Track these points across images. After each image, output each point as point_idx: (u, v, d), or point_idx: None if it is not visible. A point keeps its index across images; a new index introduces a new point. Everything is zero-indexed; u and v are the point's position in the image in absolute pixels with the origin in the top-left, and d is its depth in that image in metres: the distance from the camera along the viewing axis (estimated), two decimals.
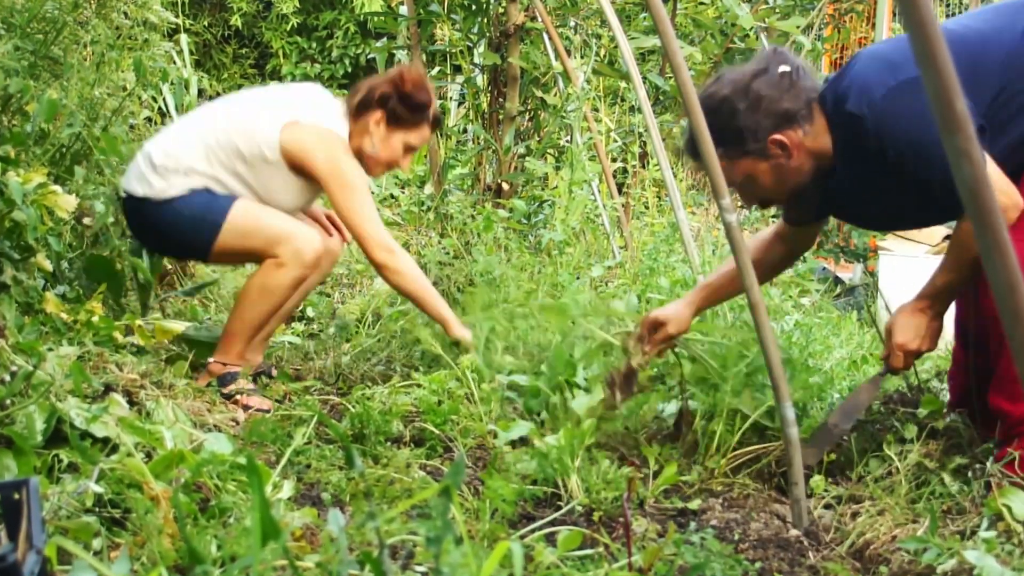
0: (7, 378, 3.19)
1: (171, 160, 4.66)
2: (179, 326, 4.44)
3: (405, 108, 4.90)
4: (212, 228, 4.66)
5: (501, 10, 7.48)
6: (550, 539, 3.03)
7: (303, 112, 4.82)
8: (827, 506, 3.60)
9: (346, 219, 4.79)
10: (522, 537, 3.05)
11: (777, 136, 3.61)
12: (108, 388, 3.69)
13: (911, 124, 3.35)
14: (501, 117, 7.55)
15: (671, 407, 4.29)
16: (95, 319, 4.22)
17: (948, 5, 11.79)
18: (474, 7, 7.62)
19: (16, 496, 1.96)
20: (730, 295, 4.25)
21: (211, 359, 4.80)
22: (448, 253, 6.93)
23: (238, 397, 4.64)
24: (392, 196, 9.41)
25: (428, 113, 4.99)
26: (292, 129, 4.73)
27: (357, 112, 4.92)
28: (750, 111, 3.59)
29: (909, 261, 7.65)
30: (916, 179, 3.45)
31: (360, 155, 4.91)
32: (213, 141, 4.70)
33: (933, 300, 3.69)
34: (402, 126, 4.94)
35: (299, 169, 4.76)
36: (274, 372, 5.05)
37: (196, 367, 4.82)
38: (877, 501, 3.46)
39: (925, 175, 3.39)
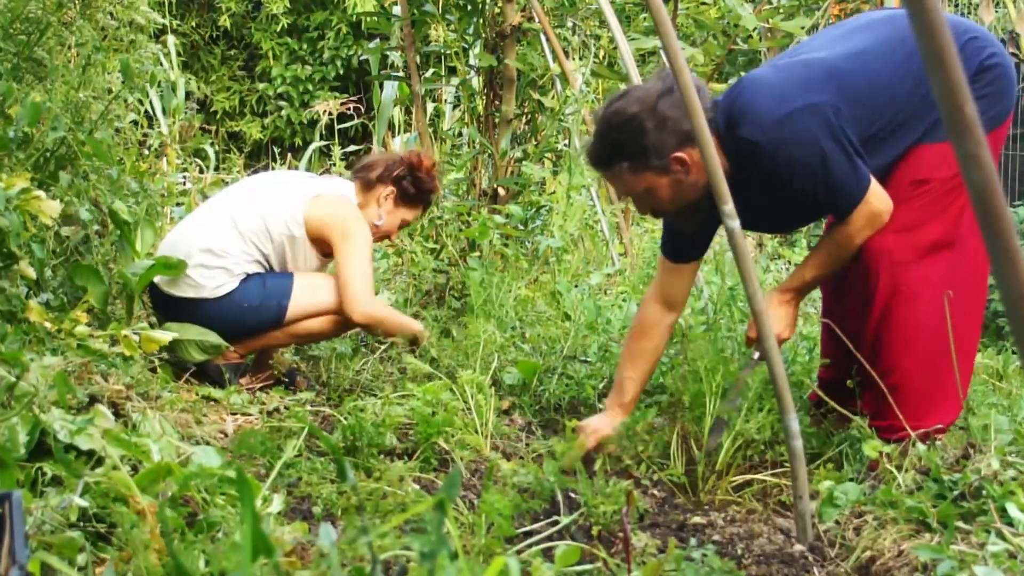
0: None
1: (211, 257, 5.09)
2: (166, 336, 4.44)
3: (415, 189, 5.52)
4: (279, 310, 5.18)
5: (497, 10, 7.47)
6: (548, 554, 3.03)
7: (324, 186, 5.36)
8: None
9: (345, 277, 5.18)
10: (519, 552, 3.06)
11: (679, 154, 3.92)
12: (93, 399, 3.69)
13: (802, 149, 3.84)
14: (497, 120, 7.55)
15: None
16: (80, 328, 4.22)
17: (957, 6, 11.80)
18: (469, 7, 7.62)
19: None
20: (645, 382, 4.49)
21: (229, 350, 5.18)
22: (443, 260, 6.94)
23: (242, 380, 5.18)
24: None
25: (431, 198, 5.67)
26: (316, 202, 5.24)
27: (371, 184, 5.48)
28: (656, 130, 3.88)
29: None
30: (804, 194, 3.94)
31: None
32: (245, 227, 5.15)
33: (798, 293, 4.22)
34: (407, 204, 5.56)
35: (318, 240, 5.26)
36: (299, 380, 5.20)
37: (189, 373, 4.91)
38: (880, 513, 3.47)
39: (812, 190, 3.92)
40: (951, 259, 4.03)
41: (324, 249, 5.28)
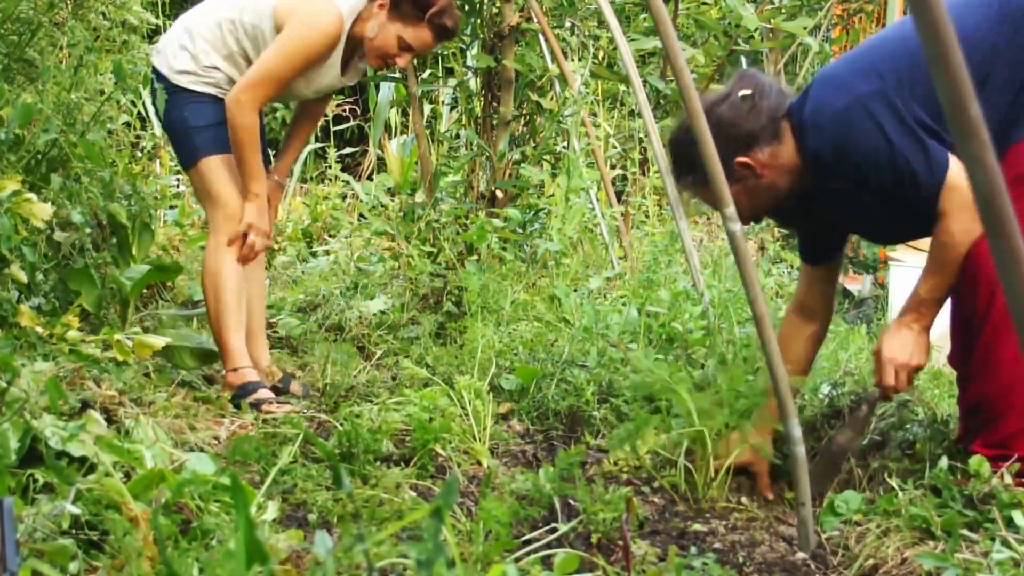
0: None
1: (186, 37, 4.98)
2: (160, 340, 4.44)
3: (409, 4, 5.02)
4: (198, 148, 5.00)
5: (495, 10, 7.48)
6: (546, 562, 3.03)
7: None
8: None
9: (256, 64, 4.94)
10: (517, 560, 3.05)
11: (741, 159, 3.83)
12: (85, 405, 3.69)
13: (859, 148, 3.68)
14: (495, 122, 7.55)
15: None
16: (71, 333, 4.22)
17: None
18: (467, 7, 7.62)
19: None
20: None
21: (224, 370, 5.04)
22: (440, 264, 6.94)
23: (264, 406, 4.84)
24: (381, 204, 9.42)
25: (431, 15, 5.07)
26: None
27: None
28: (712, 138, 3.60)
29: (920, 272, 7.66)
30: (885, 192, 3.73)
31: (362, 39, 5.14)
32: (223, 16, 4.99)
33: (917, 313, 3.82)
34: (401, 19, 5.05)
35: None
36: (294, 386, 5.16)
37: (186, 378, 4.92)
38: (882, 521, 3.47)
39: (889, 187, 3.71)
40: None
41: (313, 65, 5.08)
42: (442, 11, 5.08)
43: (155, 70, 4.99)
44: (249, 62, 4.99)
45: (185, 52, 4.95)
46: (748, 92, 3.88)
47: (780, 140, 3.87)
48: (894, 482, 3.70)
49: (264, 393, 4.97)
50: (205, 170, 4.99)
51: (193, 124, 4.94)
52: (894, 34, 3.93)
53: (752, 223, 4.43)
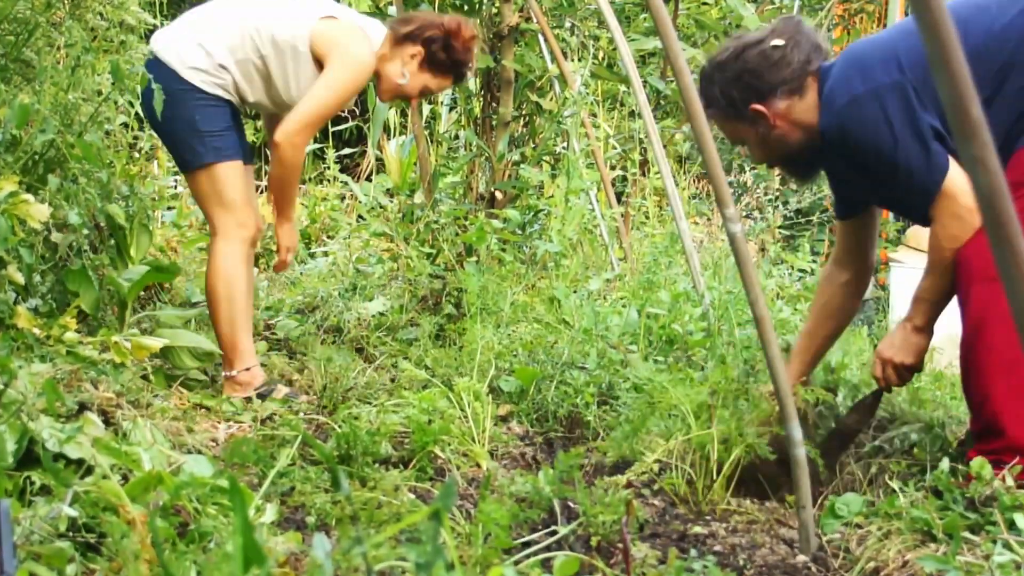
0: None
1: (201, 34, 5.02)
2: (158, 342, 4.44)
3: (445, 57, 5.27)
4: (205, 155, 5.03)
5: (495, 10, 7.48)
6: (546, 565, 3.03)
7: (348, 14, 5.21)
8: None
9: (305, 100, 5.04)
10: (516, 563, 3.05)
11: (756, 107, 3.96)
12: (83, 407, 3.69)
13: (866, 137, 3.75)
14: (494, 123, 7.55)
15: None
16: (69, 335, 4.21)
17: None
18: (466, 7, 7.62)
19: None
20: (821, 349, 4.44)
21: (232, 372, 5.14)
22: (439, 265, 6.93)
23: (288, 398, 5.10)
24: (380, 205, 9.42)
25: (462, 71, 5.39)
26: (329, 22, 5.07)
27: (401, 40, 5.25)
28: (734, 80, 3.96)
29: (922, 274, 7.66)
30: (885, 180, 3.84)
31: (379, 75, 5.28)
32: (248, 20, 5.03)
33: (913, 312, 3.97)
34: (433, 70, 5.30)
35: (320, 61, 5.08)
36: (278, 390, 5.17)
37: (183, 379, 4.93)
38: (883, 524, 3.47)
39: (889, 178, 3.80)
40: None
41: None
42: (470, 62, 5.39)
43: (157, 63, 4.97)
44: (260, 73, 5.05)
45: (200, 49, 4.97)
46: (780, 42, 3.94)
47: (802, 95, 3.96)
48: (895, 484, 3.70)
49: (283, 388, 5.18)
50: (219, 175, 5.02)
51: (205, 129, 4.96)
52: (908, 28, 3.92)
53: (766, 167, 4.67)
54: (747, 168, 11.00)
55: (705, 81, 4.06)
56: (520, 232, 7.45)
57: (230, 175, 5.04)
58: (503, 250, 6.86)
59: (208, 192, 5.07)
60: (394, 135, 13.47)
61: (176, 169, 8.83)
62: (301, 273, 8.14)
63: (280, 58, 5.04)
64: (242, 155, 5.14)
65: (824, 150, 3.98)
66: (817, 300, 4.44)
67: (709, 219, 10.74)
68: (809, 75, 3.95)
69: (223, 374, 5.15)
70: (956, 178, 3.66)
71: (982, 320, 3.68)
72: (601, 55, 10.89)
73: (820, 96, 3.94)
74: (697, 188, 13.00)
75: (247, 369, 5.11)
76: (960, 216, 3.67)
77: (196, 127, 4.94)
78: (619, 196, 9.82)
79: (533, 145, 7.90)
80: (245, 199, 5.11)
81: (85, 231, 5.02)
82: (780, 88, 3.94)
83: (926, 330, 3.98)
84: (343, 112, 14.19)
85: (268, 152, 5.41)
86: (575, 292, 6.79)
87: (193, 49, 4.95)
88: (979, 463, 3.55)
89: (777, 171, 4.33)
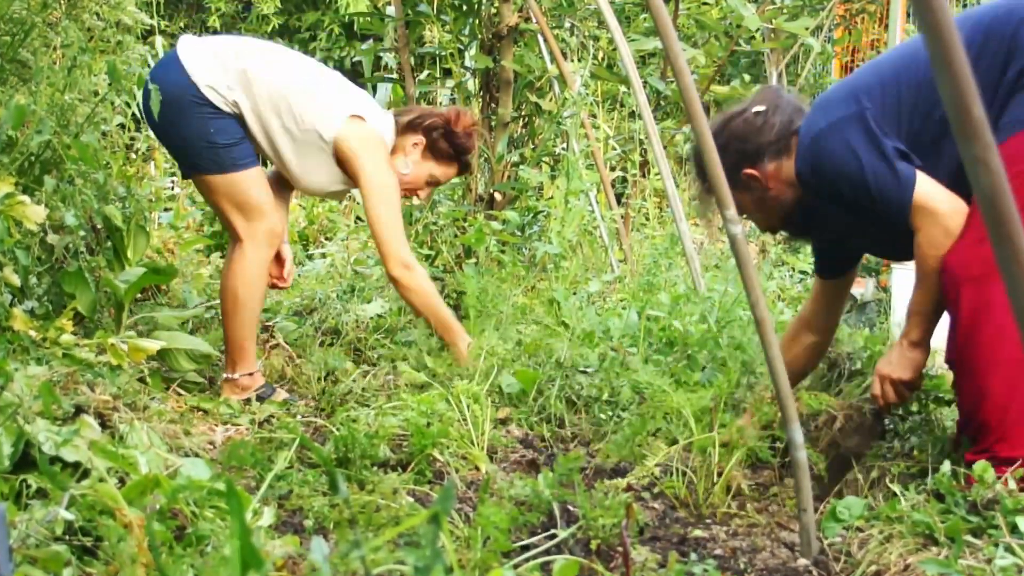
0: None
1: (232, 83, 5.00)
2: (155, 344, 4.44)
3: (447, 144, 5.41)
4: (229, 163, 5.00)
5: (494, 11, 7.48)
6: (545, 569, 3.03)
7: (371, 115, 5.23)
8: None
9: (375, 228, 5.16)
10: (516, 567, 3.05)
11: (748, 170, 4.16)
12: (79, 410, 3.69)
13: (835, 167, 3.89)
14: (494, 123, 7.55)
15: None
16: (65, 337, 4.21)
17: (966, 6, 11.81)
18: (465, 8, 7.62)
19: None
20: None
21: (234, 375, 5.15)
22: (438, 267, 6.93)
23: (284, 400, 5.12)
24: None
25: (465, 159, 5.52)
26: (355, 125, 5.14)
27: (402, 130, 5.39)
28: (723, 149, 3.77)
29: None
30: (863, 208, 3.92)
31: None
32: (283, 97, 5.05)
33: (908, 327, 4.02)
34: (436, 159, 5.44)
35: (341, 162, 5.16)
36: (277, 394, 5.18)
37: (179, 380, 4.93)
38: (885, 527, 3.47)
39: (865, 203, 3.89)
40: None
41: (344, 170, 5.22)
42: (472, 149, 5.51)
43: (178, 66, 4.93)
44: (274, 132, 5.09)
45: (223, 79, 4.97)
46: (762, 108, 4.17)
47: (788, 155, 4.12)
48: (896, 487, 3.70)
49: (282, 392, 5.24)
50: (240, 182, 5.02)
51: (220, 141, 4.95)
52: (885, 60, 4.14)
53: (770, 233, 4.67)
54: None
55: (697, 156, 4.33)
56: (519, 234, 7.46)
57: (251, 181, 5.04)
58: (502, 252, 6.86)
59: (230, 197, 5.05)
60: None
61: (173, 170, 8.85)
62: (299, 275, 8.14)
63: (302, 136, 5.11)
64: (259, 160, 5.16)
65: (806, 195, 4.13)
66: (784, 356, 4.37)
67: (710, 220, 10.74)
68: (793, 135, 4.13)
69: (224, 375, 5.15)
70: (926, 187, 3.79)
71: (974, 322, 3.71)
72: (601, 55, 10.89)
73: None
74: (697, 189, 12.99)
75: (249, 374, 5.11)
76: (937, 223, 3.77)
77: (211, 139, 4.93)
78: (619, 197, 9.83)
79: (532, 146, 7.90)
80: (271, 203, 5.11)
81: (82, 233, 5.01)
82: (767, 150, 4.14)
83: (922, 344, 4.02)
84: None
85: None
86: (575, 294, 6.79)
87: (217, 74, 4.95)
88: (982, 466, 3.55)
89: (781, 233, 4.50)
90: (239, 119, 5.02)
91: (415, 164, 5.40)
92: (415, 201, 6.24)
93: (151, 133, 5.49)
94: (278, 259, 5.43)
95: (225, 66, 4.97)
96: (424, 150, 5.41)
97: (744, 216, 4.39)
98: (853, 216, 4.03)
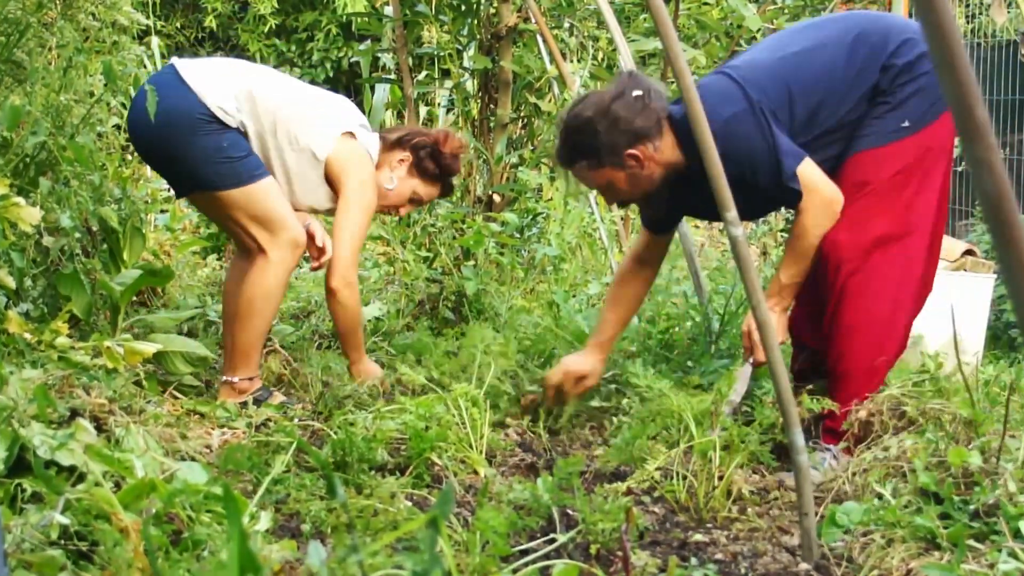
0: None
1: (237, 102, 5.04)
2: (151, 347, 4.44)
3: (433, 164, 5.48)
4: (245, 176, 5.01)
5: (492, 11, 7.48)
6: (544, 573, 3.03)
7: (360, 132, 5.33)
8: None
9: (338, 237, 5.17)
10: (515, 571, 3.05)
11: (631, 151, 4.51)
12: (74, 413, 3.68)
13: (745, 146, 4.37)
14: (492, 124, 7.55)
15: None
16: (60, 340, 4.21)
17: (968, 6, 11.81)
18: (464, 8, 7.62)
19: None
20: (624, 326, 5.21)
21: (234, 378, 5.14)
22: (436, 270, 6.93)
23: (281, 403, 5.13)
24: None
25: (449, 180, 5.63)
26: (346, 143, 5.23)
27: (390, 146, 5.45)
28: (608, 131, 4.50)
29: None
30: (752, 186, 4.37)
31: None
32: (283, 120, 5.12)
33: (779, 297, 4.57)
34: (421, 177, 5.50)
35: (331, 179, 5.22)
36: (273, 396, 5.18)
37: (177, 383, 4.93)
38: (886, 532, 3.46)
39: (759, 183, 4.41)
40: (905, 248, 4.44)
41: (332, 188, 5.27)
42: (456, 171, 5.63)
43: (182, 86, 4.94)
44: (270, 151, 5.13)
45: (228, 100, 5.00)
46: (640, 93, 4.52)
47: (663, 137, 4.53)
48: (886, 490, 3.70)
49: (279, 395, 5.26)
50: (261, 191, 5.03)
51: (237, 155, 4.97)
52: (769, 57, 4.65)
53: (618, 207, 5.47)
54: None
55: (575, 134, 4.64)
56: (518, 235, 7.45)
57: (270, 190, 5.05)
58: (501, 254, 6.86)
59: (247, 212, 5.03)
60: None
61: None
62: (296, 277, 8.13)
63: (298, 155, 5.15)
64: (270, 172, 5.15)
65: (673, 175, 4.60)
66: (621, 290, 5.10)
67: (710, 222, 10.73)
68: (664, 119, 4.53)
69: (223, 378, 5.15)
70: (813, 173, 4.39)
71: (842, 298, 4.45)
72: (601, 56, 10.88)
73: (677, 135, 4.52)
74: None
75: (249, 379, 5.11)
76: (828, 206, 4.40)
77: (227, 153, 4.94)
78: None
79: (531, 147, 7.90)
80: (291, 212, 5.13)
81: (77, 235, 5.02)
82: (650, 132, 4.50)
83: (788, 310, 4.68)
84: None
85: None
86: (574, 296, 6.79)
87: (222, 95, 4.98)
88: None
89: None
90: (245, 136, 5.03)
91: (400, 180, 5.45)
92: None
93: (153, 160, 5.44)
94: (310, 238, 5.42)
95: (231, 86, 5.01)
96: (410, 167, 5.46)
97: (596, 189, 4.95)
98: (736, 192, 4.27)
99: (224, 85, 4.99)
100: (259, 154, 5.07)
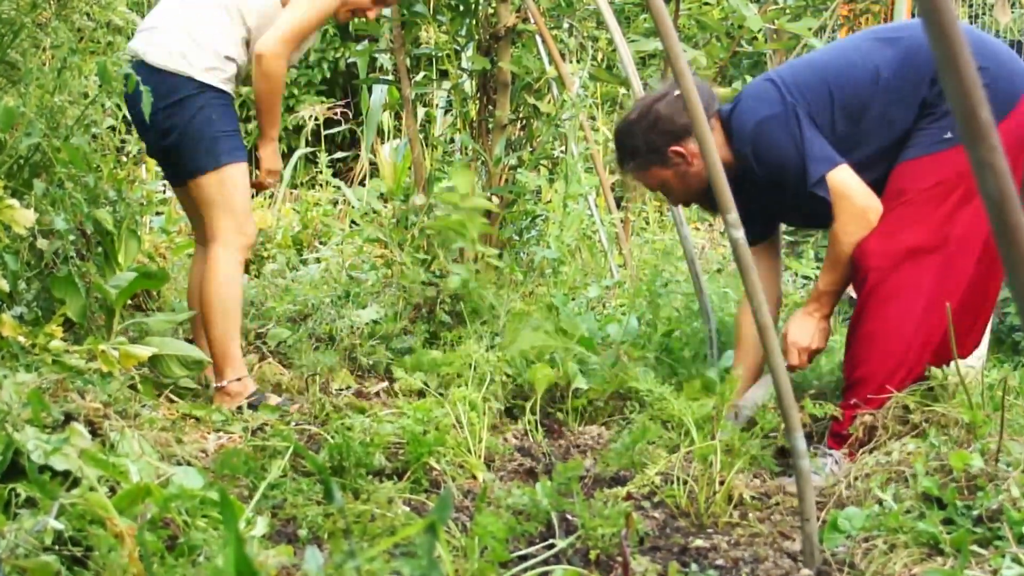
0: None
1: (211, 37, 5.12)
2: (146, 351, 4.44)
3: None
4: (221, 155, 5.11)
5: (491, 11, 7.47)
6: None
7: None
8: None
9: (283, 16, 5.17)
10: None
11: (675, 148, 4.68)
12: (69, 417, 3.68)
13: (775, 150, 4.52)
14: (491, 126, 7.54)
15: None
16: (55, 343, 4.21)
17: (971, 6, 11.82)
18: (462, 8, 7.61)
19: None
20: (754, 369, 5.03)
21: (223, 382, 5.16)
22: (433, 272, 6.93)
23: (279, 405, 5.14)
24: (374, 211, 9.42)
25: None
26: None
27: None
28: (650, 129, 4.68)
29: None
30: (782, 189, 4.57)
31: None
32: (234, 5, 5.18)
33: (818, 303, 4.70)
34: None
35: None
36: (270, 399, 5.19)
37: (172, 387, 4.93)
38: (889, 537, 3.46)
39: (787, 186, 4.54)
40: (941, 262, 4.41)
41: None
42: None
43: (161, 73, 5.02)
44: (253, 42, 5.17)
45: (207, 48, 5.06)
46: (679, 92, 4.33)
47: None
48: (888, 495, 3.70)
49: (274, 397, 5.25)
50: (227, 177, 5.10)
51: (223, 129, 5.06)
52: (818, 60, 4.77)
53: (683, 206, 5.25)
54: None
55: (623, 137, 4.83)
56: (518, 238, 7.45)
57: (239, 178, 5.14)
58: (500, 256, 6.85)
59: (216, 196, 5.11)
60: (388, 138, 13.46)
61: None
62: (292, 280, 8.13)
63: (264, 20, 5.19)
64: (246, 157, 5.22)
65: (746, 173, 4.62)
66: (741, 335, 5.02)
67: (711, 225, 10.74)
68: (710, 117, 4.55)
69: (213, 385, 5.15)
70: (847, 179, 4.46)
71: (867, 304, 4.47)
72: (600, 56, 10.88)
73: (726, 134, 4.68)
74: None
75: (238, 379, 5.11)
76: (863, 214, 4.45)
77: (215, 129, 5.03)
78: (619, 201, 9.82)
79: (531, 149, 7.89)
80: (249, 205, 5.19)
81: (71, 237, 5.01)
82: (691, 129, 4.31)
83: (829, 317, 4.75)
84: (335, 115, 14.23)
85: (258, 156, 5.44)
86: (573, 300, 6.79)
87: (198, 49, 5.04)
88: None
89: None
90: (232, 102, 5.19)
91: None
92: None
93: (151, 146, 5.46)
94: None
95: (199, 34, 5.13)
96: None
97: (655, 191, 4.95)
98: (777, 191, 4.60)
99: (191, 43, 5.10)
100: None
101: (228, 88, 5.11)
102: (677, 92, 4.50)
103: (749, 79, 9.60)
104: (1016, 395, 4.65)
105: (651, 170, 4.79)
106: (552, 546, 3.42)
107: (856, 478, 3.99)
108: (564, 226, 7.75)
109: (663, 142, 4.68)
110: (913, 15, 10.43)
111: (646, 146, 4.71)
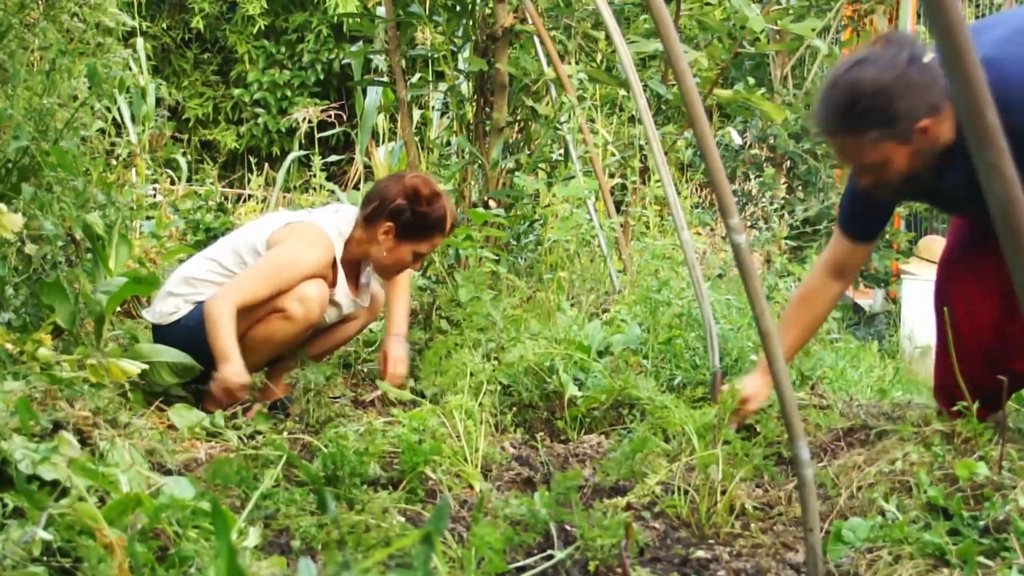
0: None
1: (184, 286, 5.29)
2: (136, 367, 4.44)
3: (417, 224, 5.38)
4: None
5: (488, 11, 7.49)
6: None
7: (311, 215, 5.47)
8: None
9: (240, 274, 5.24)
10: None
11: (924, 123, 3.89)
12: (57, 426, 3.68)
13: None
14: (488, 128, 7.56)
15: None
16: (43, 352, 4.21)
17: (978, 6, 11.84)
18: (458, 8, 7.63)
19: None
20: (800, 347, 4.98)
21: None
22: (429, 278, 6.93)
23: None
24: None
25: (442, 226, 5.46)
26: (287, 225, 5.33)
27: (368, 220, 5.41)
28: (906, 96, 3.86)
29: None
30: None
31: (369, 258, 5.49)
32: (223, 257, 5.33)
33: None
34: (410, 238, 5.40)
35: None
36: (269, 393, 5.23)
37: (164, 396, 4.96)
38: (894, 548, 3.46)
39: None
40: None
41: None
42: (444, 216, 5.45)
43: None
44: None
45: (173, 297, 5.27)
46: (932, 57, 3.90)
47: (944, 113, 3.93)
48: (892, 505, 3.71)
49: (267, 403, 5.43)
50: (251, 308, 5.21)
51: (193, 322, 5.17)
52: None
53: (887, 195, 4.50)
54: (751, 176, 11.02)
55: (866, 99, 3.93)
56: (515, 242, 7.45)
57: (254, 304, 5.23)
58: (496, 261, 6.86)
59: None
60: (383, 141, 13.48)
61: (155, 176, 8.87)
62: None
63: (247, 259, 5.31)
64: None
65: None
66: (805, 308, 4.75)
67: (712, 229, 10.75)
68: (943, 100, 3.94)
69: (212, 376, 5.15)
70: None
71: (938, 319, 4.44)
72: (599, 58, 10.90)
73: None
74: (699, 197, 13.01)
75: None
76: None
77: (198, 333, 5.13)
78: (618, 205, 9.83)
79: (528, 152, 7.91)
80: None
81: (60, 242, 5.01)
82: (940, 105, 3.91)
83: None
84: (330, 117, 14.25)
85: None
86: (572, 305, 6.79)
87: (166, 300, 5.31)
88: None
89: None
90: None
91: (390, 251, 5.43)
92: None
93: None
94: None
95: (185, 287, 5.31)
96: (395, 235, 5.40)
97: (864, 171, 4.21)
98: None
99: (162, 297, 5.32)
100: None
101: (197, 299, 5.28)
102: (928, 58, 3.89)
103: (751, 81, 9.63)
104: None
105: (886, 143, 3.96)
106: (550, 557, 3.42)
107: (860, 488, 3.99)
108: (563, 231, 7.74)
109: (918, 114, 3.89)
110: (919, 16, 10.44)
111: (901, 115, 3.90)
